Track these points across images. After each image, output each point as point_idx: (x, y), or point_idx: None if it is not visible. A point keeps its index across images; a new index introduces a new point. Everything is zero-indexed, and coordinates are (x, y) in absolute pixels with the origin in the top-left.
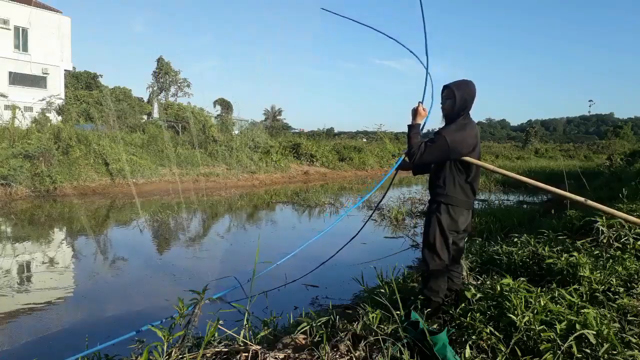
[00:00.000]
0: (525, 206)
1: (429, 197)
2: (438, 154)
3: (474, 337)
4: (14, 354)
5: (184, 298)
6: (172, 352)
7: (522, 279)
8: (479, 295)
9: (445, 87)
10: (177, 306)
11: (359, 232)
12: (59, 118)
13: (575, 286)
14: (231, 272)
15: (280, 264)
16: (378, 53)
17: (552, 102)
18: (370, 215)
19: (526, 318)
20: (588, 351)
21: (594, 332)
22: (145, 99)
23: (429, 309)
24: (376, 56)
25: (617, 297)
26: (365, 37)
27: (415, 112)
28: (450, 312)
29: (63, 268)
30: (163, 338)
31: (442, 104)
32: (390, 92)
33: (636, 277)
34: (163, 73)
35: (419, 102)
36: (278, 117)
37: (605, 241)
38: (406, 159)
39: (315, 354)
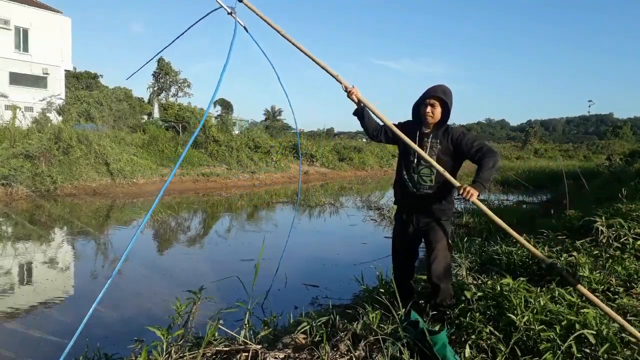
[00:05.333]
0: (525, 206)
1: (434, 205)
2: None
3: (473, 336)
4: (13, 355)
5: (181, 298)
6: (171, 351)
7: (521, 278)
8: (478, 294)
9: (434, 95)
10: (175, 305)
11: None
12: (60, 118)
13: None
14: (232, 272)
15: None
16: (378, 53)
17: (552, 102)
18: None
19: (526, 318)
20: (588, 351)
21: (594, 332)
22: (146, 99)
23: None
24: (376, 56)
25: (616, 297)
26: (365, 38)
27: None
28: (449, 312)
29: (63, 268)
30: (162, 337)
31: (430, 111)
32: (389, 92)
33: (635, 277)
34: (163, 73)
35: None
36: (278, 117)
37: (604, 241)
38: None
39: (315, 353)
